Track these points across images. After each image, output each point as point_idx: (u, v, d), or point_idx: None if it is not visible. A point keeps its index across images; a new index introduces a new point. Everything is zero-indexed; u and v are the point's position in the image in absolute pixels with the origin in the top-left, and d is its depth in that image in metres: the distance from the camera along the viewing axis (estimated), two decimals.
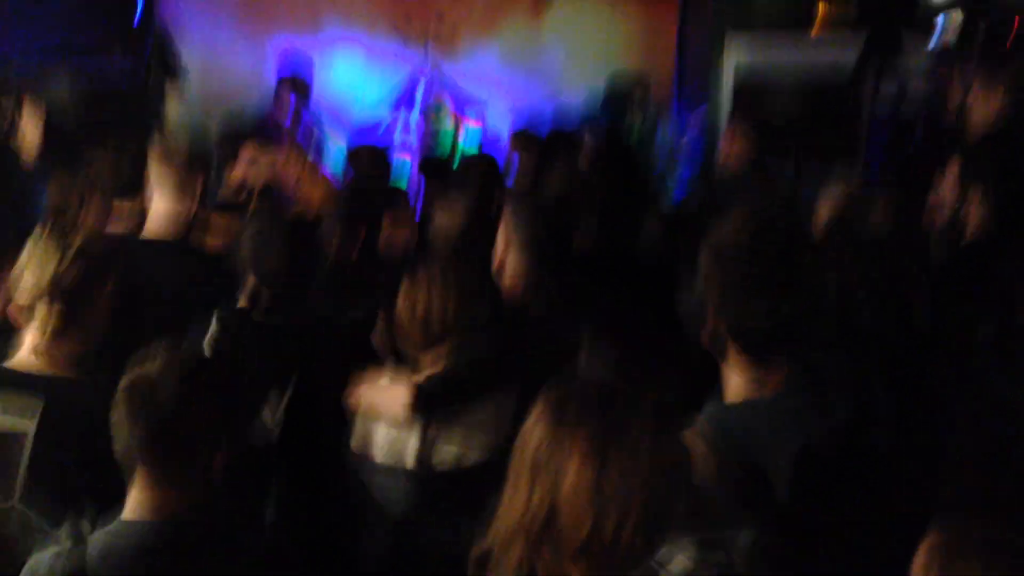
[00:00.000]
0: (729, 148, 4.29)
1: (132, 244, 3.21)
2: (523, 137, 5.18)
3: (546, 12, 7.73)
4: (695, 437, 1.58)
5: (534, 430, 1.33)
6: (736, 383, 1.68)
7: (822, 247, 2.54)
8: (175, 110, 7.39)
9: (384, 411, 2.28)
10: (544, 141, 4.95)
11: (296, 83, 6.04)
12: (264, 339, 2.43)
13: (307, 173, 3.83)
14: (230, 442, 1.91)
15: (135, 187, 3.32)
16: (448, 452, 2.27)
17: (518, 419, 2.25)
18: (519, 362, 2.30)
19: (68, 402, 2.13)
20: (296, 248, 2.52)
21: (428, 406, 2.23)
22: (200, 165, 3.33)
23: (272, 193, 3.78)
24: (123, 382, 1.83)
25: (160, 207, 3.19)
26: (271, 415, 2.37)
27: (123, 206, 3.37)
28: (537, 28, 7.81)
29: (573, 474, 1.25)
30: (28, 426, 2.10)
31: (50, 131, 4.35)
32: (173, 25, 7.47)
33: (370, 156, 4.35)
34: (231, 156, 4.03)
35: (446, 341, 2.29)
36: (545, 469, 1.28)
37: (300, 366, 2.42)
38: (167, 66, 4.86)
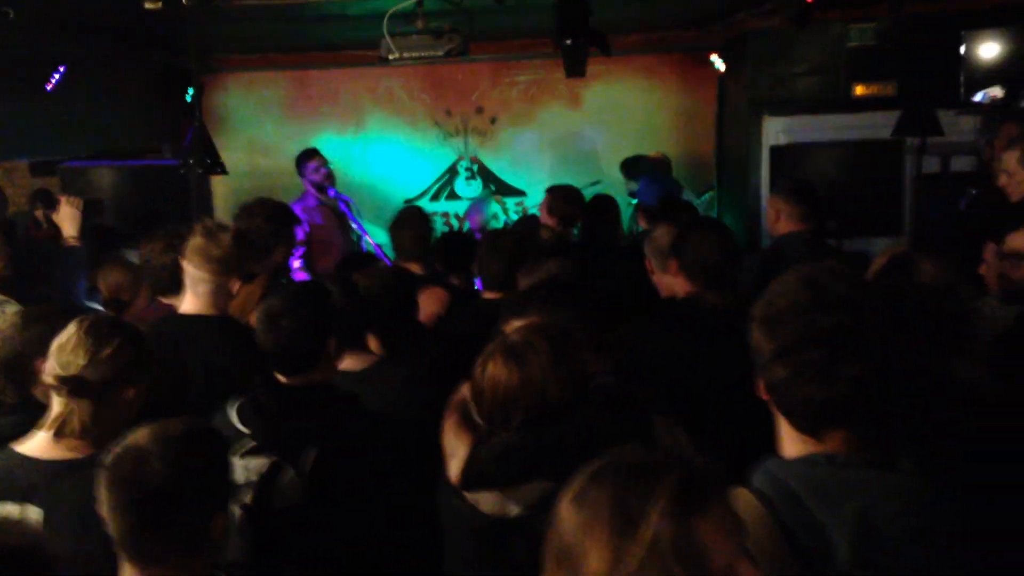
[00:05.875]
0: (767, 218, 4.23)
1: (172, 321, 3.19)
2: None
3: (583, 101, 7.83)
4: (748, 495, 1.46)
5: (561, 513, 1.22)
6: (792, 439, 1.54)
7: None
8: (220, 203, 7.76)
9: (448, 457, 2.21)
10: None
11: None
12: (290, 402, 2.38)
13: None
14: (226, 505, 1.85)
15: (178, 286, 3.33)
16: (489, 499, 2.15)
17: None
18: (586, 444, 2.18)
19: (76, 488, 2.05)
20: (306, 322, 2.45)
21: (475, 479, 2.13)
22: (238, 270, 3.23)
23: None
24: (107, 457, 1.76)
25: (189, 308, 3.16)
26: (297, 474, 2.30)
27: (168, 302, 3.40)
28: (575, 116, 7.91)
29: (593, 566, 1.15)
30: (39, 514, 2.07)
31: (88, 226, 4.47)
32: (221, 121, 7.83)
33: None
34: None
35: (515, 418, 2.15)
36: (568, 557, 1.18)
37: (326, 428, 2.36)
38: (204, 163, 4.98)
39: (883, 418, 1.50)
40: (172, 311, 3.31)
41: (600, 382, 2.36)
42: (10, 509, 2.07)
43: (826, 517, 1.40)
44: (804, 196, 4.12)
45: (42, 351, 2.57)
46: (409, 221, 4.31)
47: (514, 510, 2.09)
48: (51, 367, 2.21)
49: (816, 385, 1.46)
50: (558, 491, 1.27)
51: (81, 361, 2.19)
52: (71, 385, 2.17)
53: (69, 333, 2.23)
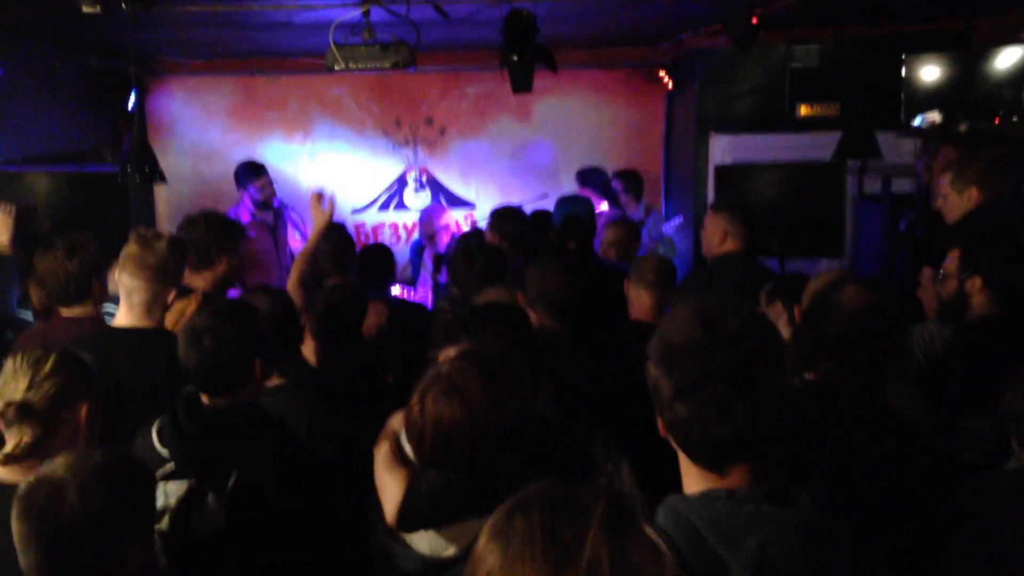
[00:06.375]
0: (708, 237, 4.24)
1: (106, 335, 3.13)
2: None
3: (533, 114, 7.84)
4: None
5: (483, 552, 1.20)
6: (693, 475, 1.54)
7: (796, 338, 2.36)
8: (163, 210, 7.61)
9: (382, 496, 2.15)
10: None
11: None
12: (211, 423, 2.31)
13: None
14: (148, 538, 1.80)
15: (83, 294, 3.28)
16: (425, 539, 2.10)
17: None
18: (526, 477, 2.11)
19: None
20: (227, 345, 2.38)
21: (412, 519, 2.08)
22: (174, 279, 3.17)
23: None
24: (22, 489, 1.70)
25: (124, 320, 3.09)
26: (217, 501, 2.22)
27: (71, 311, 3.30)
28: (524, 129, 7.91)
29: None
30: None
31: (21, 234, 4.35)
32: (165, 127, 7.69)
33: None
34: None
35: (459, 457, 2.04)
36: None
37: (248, 451, 2.29)
38: (142, 171, 4.87)
39: (783, 451, 1.51)
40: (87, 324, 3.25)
41: (537, 410, 2.32)
42: None
43: (727, 553, 1.40)
44: (748, 215, 4.16)
45: None
46: (326, 236, 4.26)
47: (450, 550, 2.04)
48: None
49: (717, 421, 1.46)
50: None
51: (22, 386, 2.14)
52: (17, 411, 2.11)
53: (7, 367, 2.19)
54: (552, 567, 1.13)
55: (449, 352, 2.18)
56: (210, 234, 3.76)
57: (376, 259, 4.54)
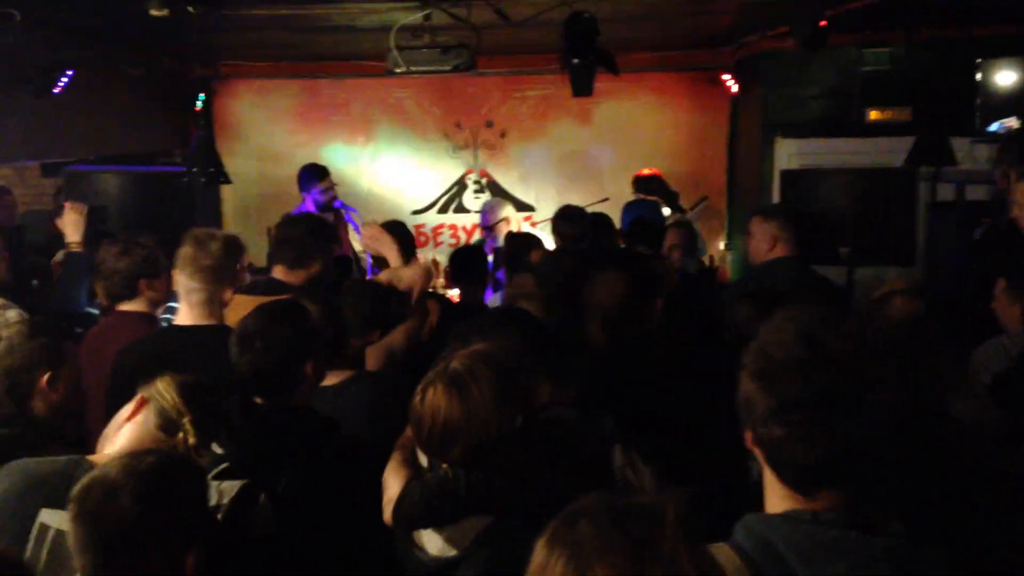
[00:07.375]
0: (757, 244, 4.14)
1: (168, 334, 3.21)
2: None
3: (594, 118, 7.78)
4: (729, 552, 1.39)
5: (549, 567, 1.15)
6: (779, 493, 1.47)
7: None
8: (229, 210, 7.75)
9: (384, 496, 2.17)
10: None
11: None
12: (264, 426, 2.33)
13: None
14: (202, 540, 1.77)
15: (131, 292, 3.38)
16: (432, 540, 2.07)
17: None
18: (525, 479, 2.07)
19: None
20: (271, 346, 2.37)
21: (405, 519, 2.08)
22: (230, 279, 3.20)
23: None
24: (76, 490, 1.70)
25: (185, 319, 3.14)
26: (269, 502, 2.23)
27: (123, 307, 3.40)
28: (585, 132, 7.85)
29: None
30: None
31: (91, 232, 4.46)
32: (232, 128, 7.82)
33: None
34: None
35: (454, 451, 2.05)
36: None
37: (300, 454, 2.30)
38: (207, 173, 4.96)
39: (878, 479, 1.43)
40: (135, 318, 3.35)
41: (554, 414, 2.29)
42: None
43: None
44: (800, 221, 4.07)
45: (46, 364, 2.56)
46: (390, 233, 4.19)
47: (452, 551, 2.02)
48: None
49: (812, 445, 1.39)
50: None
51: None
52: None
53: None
54: (632, 564, 1.11)
55: (462, 350, 2.17)
56: (309, 235, 3.81)
57: (469, 261, 4.48)
